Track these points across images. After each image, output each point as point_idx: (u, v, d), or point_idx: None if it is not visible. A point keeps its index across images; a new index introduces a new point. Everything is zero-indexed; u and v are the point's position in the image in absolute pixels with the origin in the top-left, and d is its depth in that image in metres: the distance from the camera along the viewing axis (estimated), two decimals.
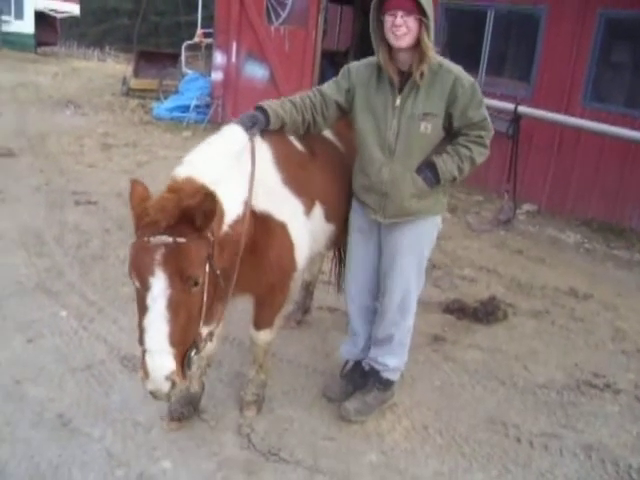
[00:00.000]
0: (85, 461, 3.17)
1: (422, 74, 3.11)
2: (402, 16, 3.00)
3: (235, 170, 2.94)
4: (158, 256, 2.48)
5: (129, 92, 15.35)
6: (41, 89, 15.51)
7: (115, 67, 22.65)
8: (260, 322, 3.53)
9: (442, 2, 9.77)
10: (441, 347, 4.67)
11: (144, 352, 2.52)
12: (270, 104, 3.18)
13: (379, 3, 3.11)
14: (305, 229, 3.37)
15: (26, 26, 25.67)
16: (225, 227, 2.84)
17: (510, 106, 7.92)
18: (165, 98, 13.90)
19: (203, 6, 16.43)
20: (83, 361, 4.03)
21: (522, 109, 7.86)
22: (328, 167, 3.56)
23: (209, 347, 3.50)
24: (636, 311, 5.73)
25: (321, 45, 12.08)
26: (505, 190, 8.20)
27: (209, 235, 2.64)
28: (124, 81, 15.74)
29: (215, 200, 2.54)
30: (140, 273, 2.51)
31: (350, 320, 3.89)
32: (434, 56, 3.13)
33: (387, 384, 3.72)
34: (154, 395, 2.58)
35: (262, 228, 3.08)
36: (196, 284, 2.58)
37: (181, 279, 2.51)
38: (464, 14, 10.11)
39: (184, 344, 2.60)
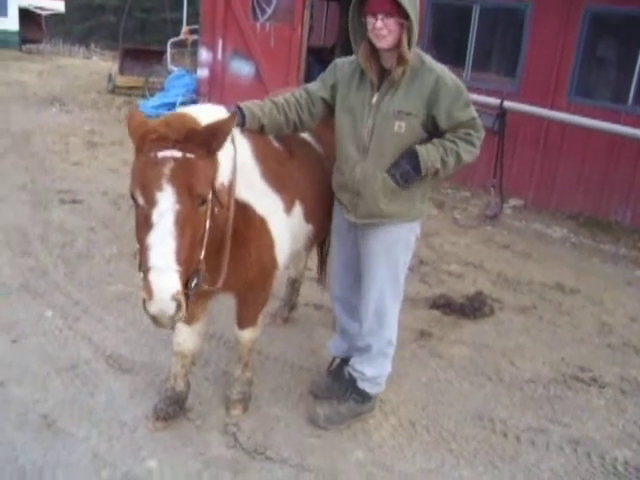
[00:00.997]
0: (70, 462, 3.15)
1: (402, 73, 3.05)
2: (382, 19, 2.94)
3: None
4: (167, 170, 2.44)
5: (115, 89, 15.25)
6: (26, 87, 15.39)
7: (101, 64, 22.47)
8: (243, 321, 3.50)
9: None
10: (427, 343, 4.67)
11: (147, 271, 2.42)
12: (248, 104, 3.12)
13: (359, 4, 3.07)
14: (286, 227, 3.33)
15: (10, 23, 25.40)
16: (217, 183, 2.78)
17: (496, 101, 7.94)
18: (151, 95, 13.80)
19: (189, 3, 16.33)
20: (68, 361, 4.00)
21: (508, 104, 7.89)
22: (306, 167, 3.52)
23: (194, 345, 3.50)
24: (622, 305, 5.77)
25: (307, 41, 12.04)
26: (492, 185, 8.22)
27: (215, 159, 2.66)
28: (110, 78, 15.63)
29: (234, 122, 2.61)
30: (146, 188, 2.45)
31: (337, 318, 3.88)
32: (416, 55, 3.09)
33: (364, 396, 3.63)
34: (156, 320, 2.45)
35: (242, 219, 3.02)
36: (203, 202, 2.56)
37: (190, 195, 2.47)
38: (450, 9, 10.09)
39: (189, 265, 2.53)
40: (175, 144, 2.48)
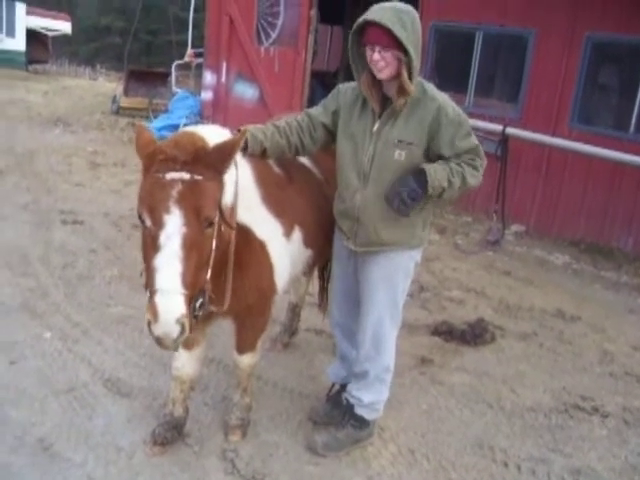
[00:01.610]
0: None
1: (403, 104, 3.05)
2: (379, 51, 2.94)
3: None
4: (175, 192, 2.44)
5: (119, 111, 15.38)
6: (31, 107, 15.49)
7: (106, 85, 22.68)
8: (242, 346, 3.47)
9: (432, 23, 9.83)
10: (428, 370, 4.64)
11: (154, 293, 2.42)
12: (249, 127, 3.10)
13: (357, 34, 3.08)
14: (285, 251, 3.32)
15: (17, 44, 25.74)
16: (222, 203, 2.75)
17: (498, 127, 7.97)
18: (155, 117, 13.91)
19: (194, 26, 16.49)
20: (66, 384, 3.96)
21: (510, 130, 7.91)
22: (306, 192, 3.52)
23: (193, 370, 3.47)
24: (624, 333, 5.74)
25: (311, 65, 12.12)
26: (494, 211, 8.22)
27: (222, 179, 2.64)
28: (114, 100, 15.78)
29: (243, 142, 2.64)
30: (154, 210, 2.45)
31: (337, 344, 3.86)
32: (419, 84, 3.09)
33: (361, 422, 3.59)
34: (160, 341, 2.45)
35: (241, 243, 2.99)
36: (210, 225, 2.55)
37: (197, 218, 2.47)
38: (453, 36, 10.17)
39: (194, 288, 2.53)
40: (183, 165, 2.48)
